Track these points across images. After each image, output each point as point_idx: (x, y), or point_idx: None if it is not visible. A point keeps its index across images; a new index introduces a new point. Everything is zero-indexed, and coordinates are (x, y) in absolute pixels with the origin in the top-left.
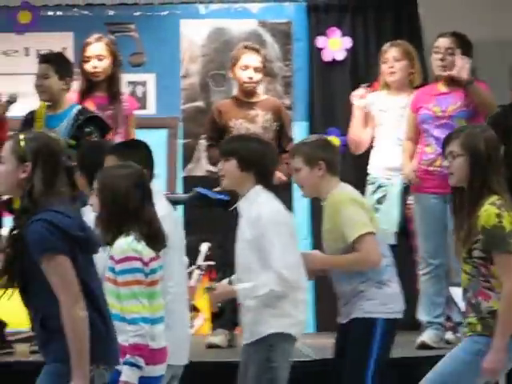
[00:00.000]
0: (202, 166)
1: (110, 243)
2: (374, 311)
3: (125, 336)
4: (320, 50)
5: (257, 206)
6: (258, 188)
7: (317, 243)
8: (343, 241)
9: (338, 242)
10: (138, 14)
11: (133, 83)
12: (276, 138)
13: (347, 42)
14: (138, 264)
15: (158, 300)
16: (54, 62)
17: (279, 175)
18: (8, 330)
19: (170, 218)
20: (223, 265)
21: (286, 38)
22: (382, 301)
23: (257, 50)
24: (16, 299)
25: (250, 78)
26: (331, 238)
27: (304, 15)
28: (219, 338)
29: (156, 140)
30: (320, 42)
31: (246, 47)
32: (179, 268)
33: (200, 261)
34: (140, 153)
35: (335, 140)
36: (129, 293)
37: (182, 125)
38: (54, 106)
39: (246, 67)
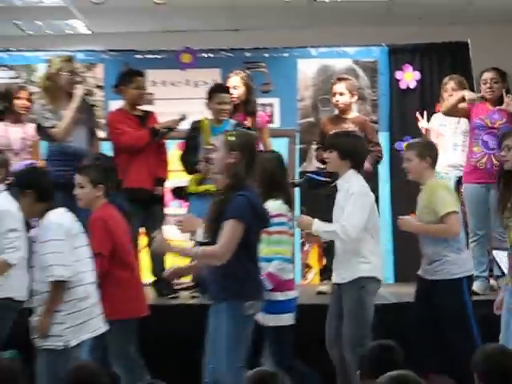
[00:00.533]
0: (312, 164)
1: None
2: (458, 272)
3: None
4: (398, 80)
5: (350, 183)
6: (351, 171)
7: (394, 217)
8: (434, 215)
9: (431, 216)
10: (267, 55)
11: (263, 105)
12: None
13: (417, 75)
14: (285, 220)
15: (290, 246)
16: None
17: (367, 166)
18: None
19: None
20: None
21: (373, 72)
22: (461, 263)
23: (343, 80)
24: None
25: (337, 101)
26: (425, 212)
27: (386, 56)
28: (326, 287)
29: (280, 145)
30: (398, 74)
31: (335, 79)
32: None
33: None
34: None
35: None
36: (278, 239)
37: (299, 135)
38: (215, 121)
39: (335, 94)
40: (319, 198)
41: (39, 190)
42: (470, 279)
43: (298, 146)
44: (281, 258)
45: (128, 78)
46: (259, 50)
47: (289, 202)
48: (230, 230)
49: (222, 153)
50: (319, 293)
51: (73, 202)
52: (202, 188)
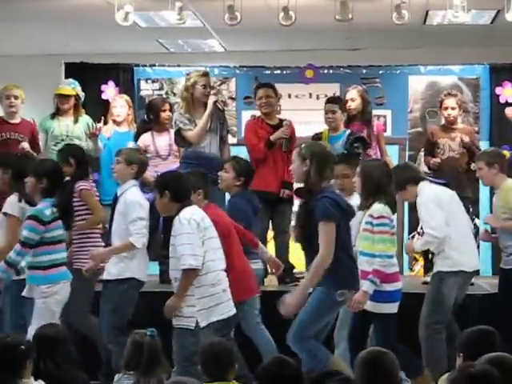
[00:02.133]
0: (420, 169)
1: (368, 207)
2: None
3: (369, 266)
4: (498, 95)
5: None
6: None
7: None
8: (510, 213)
9: (507, 214)
10: (381, 72)
11: (377, 116)
12: (468, 152)
13: None
14: (387, 221)
15: (392, 244)
16: (339, 102)
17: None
18: (295, 270)
19: None
20: None
21: (476, 88)
22: None
23: (454, 95)
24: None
25: (449, 115)
26: (501, 211)
27: (488, 73)
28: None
29: (391, 152)
30: (498, 90)
31: (446, 94)
32: None
33: (419, 228)
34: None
35: (506, 153)
36: (380, 238)
37: (408, 142)
38: (334, 130)
39: (447, 108)
40: None
41: (174, 191)
42: None
43: (407, 153)
44: (384, 256)
45: (255, 90)
46: (374, 67)
47: (392, 205)
48: (324, 232)
49: (297, 163)
50: (424, 283)
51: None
52: None
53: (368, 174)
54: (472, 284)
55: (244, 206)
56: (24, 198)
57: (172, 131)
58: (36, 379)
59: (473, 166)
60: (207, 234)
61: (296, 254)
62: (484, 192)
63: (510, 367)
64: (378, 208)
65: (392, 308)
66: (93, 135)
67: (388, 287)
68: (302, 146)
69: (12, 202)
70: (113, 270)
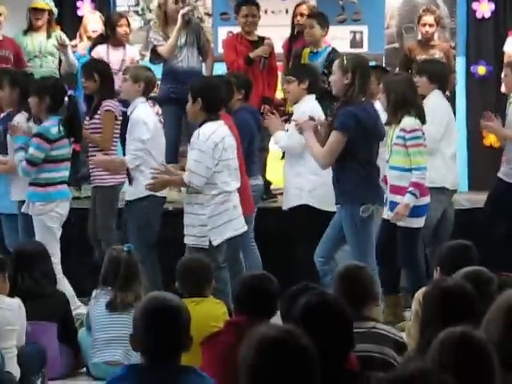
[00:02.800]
0: None
1: (398, 122)
2: None
3: (400, 180)
4: (474, 11)
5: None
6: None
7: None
8: None
9: None
10: None
11: (353, 32)
12: None
13: (492, 6)
14: (420, 133)
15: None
16: (317, 17)
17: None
18: (272, 187)
19: None
20: None
21: (452, 2)
22: None
23: (432, 12)
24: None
25: (426, 32)
26: None
27: None
28: None
29: None
30: (474, 5)
31: (424, 10)
32: None
33: None
34: None
35: (482, 69)
36: (417, 151)
37: (384, 58)
38: (314, 46)
39: (425, 25)
40: None
41: (207, 100)
42: None
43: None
44: (422, 168)
45: (238, 7)
46: None
47: (421, 117)
48: (332, 140)
49: (338, 75)
50: None
51: (183, 114)
52: None
53: (392, 89)
54: None
55: (249, 119)
56: (31, 117)
57: (128, 47)
58: (13, 295)
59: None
60: (225, 155)
61: (273, 171)
62: (461, 106)
63: (484, 281)
64: (410, 121)
65: (420, 222)
66: (62, 47)
67: (418, 201)
68: (345, 57)
69: (20, 122)
70: (132, 189)
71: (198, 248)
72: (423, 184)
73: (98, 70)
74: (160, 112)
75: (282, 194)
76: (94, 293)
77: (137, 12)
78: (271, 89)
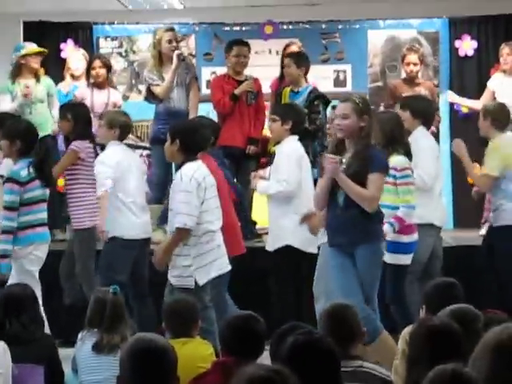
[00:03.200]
0: None
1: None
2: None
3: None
4: (457, 49)
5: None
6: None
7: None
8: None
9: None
10: (340, 26)
11: (337, 71)
12: None
13: (474, 44)
14: (410, 172)
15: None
16: (293, 56)
17: (432, 128)
18: (257, 227)
19: None
20: None
21: (435, 41)
22: None
23: (416, 51)
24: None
25: (411, 71)
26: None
27: (447, 27)
28: None
29: None
30: (457, 43)
31: (408, 49)
32: None
33: None
34: None
35: (466, 107)
36: (406, 189)
37: (368, 97)
38: (294, 85)
39: (409, 64)
40: None
41: (185, 142)
42: None
43: None
44: (411, 206)
45: (229, 46)
46: (333, 22)
47: (409, 154)
48: (377, 181)
49: (354, 119)
50: None
51: None
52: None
53: (381, 127)
54: None
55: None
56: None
57: (112, 90)
58: (3, 339)
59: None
60: (208, 194)
61: (258, 210)
62: (445, 144)
63: (470, 319)
64: (400, 160)
65: (407, 259)
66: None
67: (406, 238)
68: (357, 100)
69: (8, 164)
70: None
71: (184, 288)
72: (405, 221)
73: (72, 111)
74: (144, 154)
75: (267, 233)
76: (80, 335)
77: (120, 53)
78: (257, 128)
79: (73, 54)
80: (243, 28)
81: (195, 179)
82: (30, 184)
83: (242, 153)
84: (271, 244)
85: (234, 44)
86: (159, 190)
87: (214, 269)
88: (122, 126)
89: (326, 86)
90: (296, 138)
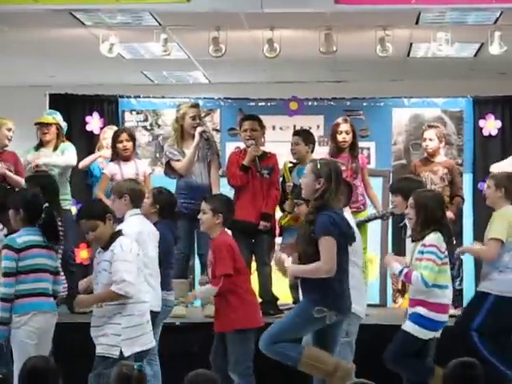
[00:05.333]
0: None
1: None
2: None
3: (414, 294)
4: (481, 128)
5: None
6: None
7: None
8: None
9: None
10: (365, 104)
11: (361, 148)
12: (449, 185)
13: (498, 124)
14: (435, 249)
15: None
16: (302, 135)
17: (451, 215)
18: (279, 302)
19: None
20: None
21: (459, 120)
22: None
23: (434, 127)
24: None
25: (426, 146)
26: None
27: (471, 106)
28: None
29: (375, 184)
30: (481, 123)
31: (426, 126)
32: None
33: None
34: None
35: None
36: (426, 265)
37: (392, 175)
38: (301, 162)
39: (425, 139)
40: None
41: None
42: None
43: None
44: (427, 283)
45: (240, 122)
46: (358, 99)
47: (448, 237)
48: (325, 245)
49: (310, 179)
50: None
51: (193, 230)
52: (284, 221)
53: (423, 204)
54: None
55: (166, 233)
56: (7, 229)
57: (138, 161)
58: None
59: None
60: (141, 264)
61: (280, 286)
62: (468, 223)
63: None
64: (433, 237)
65: (426, 334)
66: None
67: (433, 316)
68: (318, 162)
69: None
70: None
71: (105, 357)
72: (411, 281)
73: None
74: None
75: (288, 309)
76: None
77: (145, 127)
78: (269, 204)
79: (106, 132)
80: (268, 104)
81: (134, 249)
82: (27, 251)
83: (255, 227)
84: None
85: (244, 119)
86: (181, 264)
87: (140, 343)
88: (131, 192)
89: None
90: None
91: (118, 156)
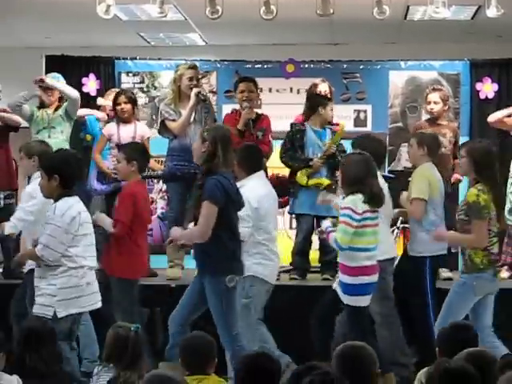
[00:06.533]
0: (400, 164)
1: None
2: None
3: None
4: (478, 91)
5: None
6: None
7: None
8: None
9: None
10: (362, 67)
11: (358, 111)
12: (452, 147)
13: (495, 87)
14: (349, 212)
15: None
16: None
17: (457, 176)
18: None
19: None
20: None
21: (456, 83)
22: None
23: (438, 90)
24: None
25: (431, 109)
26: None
27: (468, 69)
28: None
29: None
30: (478, 86)
31: (431, 89)
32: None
33: (398, 223)
34: None
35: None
36: (341, 228)
37: (388, 138)
38: (321, 126)
39: (429, 102)
40: None
41: (64, 177)
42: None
43: (387, 148)
44: (341, 246)
45: (236, 84)
46: (355, 62)
47: (371, 199)
48: (205, 210)
49: (198, 143)
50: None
51: (187, 192)
52: (313, 182)
53: (346, 167)
54: (451, 279)
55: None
56: None
57: (138, 124)
58: (21, 373)
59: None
60: (82, 229)
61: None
62: (463, 187)
63: (486, 363)
64: (348, 199)
65: (365, 301)
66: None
67: (358, 280)
68: (206, 128)
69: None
70: None
71: (40, 317)
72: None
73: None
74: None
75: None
76: (95, 369)
77: (141, 89)
78: None
79: (110, 95)
80: (265, 66)
81: (69, 214)
82: None
83: None
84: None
85: (240, 81)
86: (174, 225)
87: (76, 305)
88: (41, 154)
89: (346, 126)
90: None
91: (118, 118)
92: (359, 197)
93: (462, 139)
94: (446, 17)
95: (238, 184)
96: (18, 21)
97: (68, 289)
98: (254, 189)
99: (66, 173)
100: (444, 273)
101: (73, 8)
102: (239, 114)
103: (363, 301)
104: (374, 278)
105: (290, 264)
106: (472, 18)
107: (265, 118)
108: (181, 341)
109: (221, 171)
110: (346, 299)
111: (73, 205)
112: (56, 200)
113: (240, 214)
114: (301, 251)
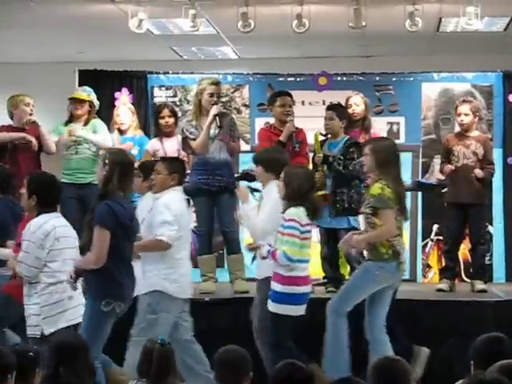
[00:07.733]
0: (434, 176)
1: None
2: None
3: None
4: (511, 103)
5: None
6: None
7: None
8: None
9: None
10: (394, 79)
11: (390, 123)
12: (482, 159)
13: None
14: (296, 224)
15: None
16: (337, 110)
17: (481, 175)
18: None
19: None
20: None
21: (489, 95)
22: None
23: (468, 102)
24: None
25: (462, 121)
26: None
27: (501, 80)
28: (444, 285)
29: (405, 159)
30: (511, 97)
31: (461, 101)
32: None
33: (432, 235)
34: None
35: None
36: (288, 240)
37: (421, 150)
38: (333, 137)
39: (460, 114)
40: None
41: (42, 198)
42: None
43: (420, 160)
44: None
45: (274, 97)
46: (387, 74)
47: (312, 213)
48: (97, 236)
49: (100, 166)
50: (438, 290)
51: (213, 206)
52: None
53: (288, 181)
54: (485, 291)
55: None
56: None
57: (179, 136)
58: None
59: (477, 171)
60: (58, 244)
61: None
62: (498, 197)
63: None
64: (291, 211)
65: (294, 311)
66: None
67: (289, 290)
68: (107, 152)
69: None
70: None
71: (33, 338)
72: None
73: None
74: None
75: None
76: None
77: (174, 103)
78: None
79: (119, 109)
80: (297, 79)
81: (44, 229)
82: None
83: None
84: None
85: (277, 95)
86: (205, 239)
87: (63, 319)
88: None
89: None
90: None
91: (160, 132)
92: (301, 209)
93: (496, 151)
94: (478, 29)
95: None
96: (51, 35)
97: (51, 305)
98: (172, 201)
99: (41, 194)
100: (478, 285)
101: (105, 23)
102: (274, 128)
103: (292, 310)
104: (307, 288)
105: (324, 277)
106: (505, 30)
107: (301, 131)
108: (215, 356)
109: (116, 195)
110: (274, 307)
111: (48, 220)
112: (36, 217)
113: (166, 218)
114: (328, 262)
